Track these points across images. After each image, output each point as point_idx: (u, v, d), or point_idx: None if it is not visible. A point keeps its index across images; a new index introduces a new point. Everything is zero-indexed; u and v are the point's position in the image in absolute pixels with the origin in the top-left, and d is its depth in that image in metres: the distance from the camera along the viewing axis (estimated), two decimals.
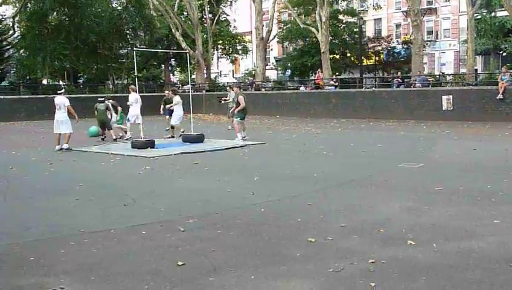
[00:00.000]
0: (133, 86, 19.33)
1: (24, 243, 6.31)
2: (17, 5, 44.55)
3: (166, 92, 21.54)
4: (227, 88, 22.73)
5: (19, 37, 44.20)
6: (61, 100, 16.27)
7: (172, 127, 19.47)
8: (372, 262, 5.27)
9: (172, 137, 18.99)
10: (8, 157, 14.77)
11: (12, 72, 49.28)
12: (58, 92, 16.95)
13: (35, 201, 8.80)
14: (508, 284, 4.68)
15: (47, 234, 6.68)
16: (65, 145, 15.79)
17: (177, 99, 19.44)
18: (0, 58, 41.16)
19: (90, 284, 4.94)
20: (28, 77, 46.90)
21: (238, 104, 18.08)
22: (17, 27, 44.70)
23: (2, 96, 35.16)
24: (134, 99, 18.56)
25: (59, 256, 5.75)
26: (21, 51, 44.64)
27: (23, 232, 6.79)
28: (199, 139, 16.98)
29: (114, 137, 18.23)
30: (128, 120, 19.01)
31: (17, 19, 43.94)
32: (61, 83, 47.42)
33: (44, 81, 46.04)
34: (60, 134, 16.16)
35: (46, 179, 11.08)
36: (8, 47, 44.20)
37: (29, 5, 41.52)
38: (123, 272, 5.23)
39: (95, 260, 5.62)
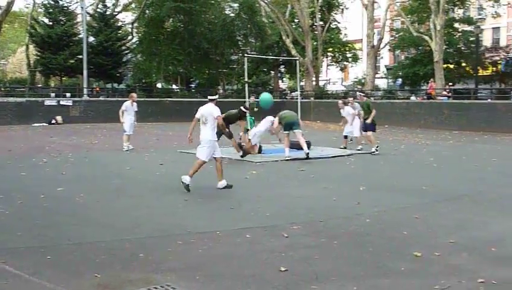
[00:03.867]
0: (133, 94, 18.59)
1: (135, 239, 6.59)
2: (137, 11, 46.87)
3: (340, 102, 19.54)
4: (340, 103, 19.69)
5: (137, 42, 46.40)
6: (210, 110, 10.25)
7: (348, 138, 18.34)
8: (482, 282, 5.02)
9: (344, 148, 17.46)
10: (123, 156, 15.52)
11: (129, 75, 51.79)
12: (210, 97, 10.61)
13: (146, 200, 9.17)
14: None
15: (156, 232, 6.94)
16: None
17: (348, 110, 18.31)
18: (118, 62, 43.33)
19: (195, 283, 5.07)
20: (143, 81, 49.09)
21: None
22: (136, 33, 47.02)
23: (119, 99, 37.03)
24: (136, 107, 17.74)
25: (167, 254, 5.95)
26: (138, 56, 46.84)
27: (134, 230, 7.09)
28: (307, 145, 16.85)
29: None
30: (125, 131, 17.25)
31: (135, 25, 46.26)
32: (174, 86, 49.24)
33: (159, 85, 47.97)
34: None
35: (157, 179, 11.52)
36: (126, 52, 46.50)
37: (147, 12, 43.50)
38: (227, 273, 5.33)
39: (201, 260, 5.77)
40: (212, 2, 44.61)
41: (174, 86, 52.67)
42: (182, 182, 9.67)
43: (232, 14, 46.67)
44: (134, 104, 17.72)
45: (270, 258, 5.80)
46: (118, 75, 44.24)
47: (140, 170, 12.66)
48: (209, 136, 10.08)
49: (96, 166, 13.49)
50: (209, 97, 10.57)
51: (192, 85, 53.18)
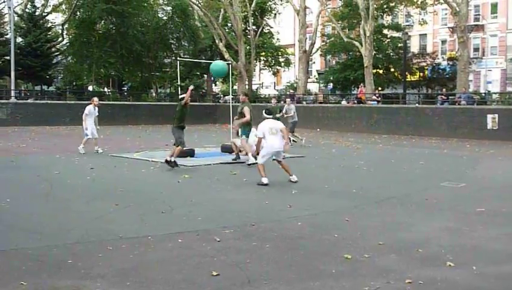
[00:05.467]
0: (95, 98, 18.01)
1: (63, 245, 6.41)
2: (67, 12, 45.76)
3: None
4: (286, 100, 21.31)
5: (67, 44, 45.35)
6: (278, 125, 11.79)
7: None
8: (409, 282, 5.16)
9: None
10: (52, 160, 15.08)
11: (59, 78, 50.49)
12: (266, 115, 12.16)
13: (76, 205, 8.95)
14: None
15: (85, 238, 6.77)
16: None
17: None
18: (48, 64, 42.21)
19: (126, 288, 4.98)
20: (74, 83, 48.03)
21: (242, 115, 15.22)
22: (66, 34, 45.94)
23: (48, 101, 36.09)
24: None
25: (96, 260, 5.81)
26: (69, 58, 45.82)
27: (63, 235, 6.89)
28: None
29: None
30: (86, 135, 16.99)
31: (66, 26, 45.17)
32: (106, 89, 48.39)
33: (90, 88, 47.05)
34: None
35: (87, 183, 11.24)
36: (56, 54, 45.35)
37: (78, 13, 42.59)
38: (158, 279, 5.26)
39: (132, 265, 5.67)
40: (145, 4, 44.12)
41: (106, 89, 51.73)
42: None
43: (165, 18, 46.38)
44: (96, 108, 17.44)
45: (201, 263, 5.76)
46: (47, 77, 43.12)
47: (69, 174, 12.33)
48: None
49: (23, 170, 13.06)
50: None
51: (125, 88, 52.39)
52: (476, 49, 50.67)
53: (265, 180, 10.97)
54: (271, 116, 12.19)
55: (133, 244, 6.44)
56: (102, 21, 43.00)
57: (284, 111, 21.23)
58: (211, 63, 17.41)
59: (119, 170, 13.45)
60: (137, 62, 44.19)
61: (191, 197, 9.64)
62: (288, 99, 21.50)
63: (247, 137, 14.78)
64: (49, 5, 47.93)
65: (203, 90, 52.62)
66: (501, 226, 7.67)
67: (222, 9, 44.09)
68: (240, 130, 15.07)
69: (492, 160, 16.75)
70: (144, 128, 30.91)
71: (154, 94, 47.79)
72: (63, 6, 48.62)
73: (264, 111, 12.39)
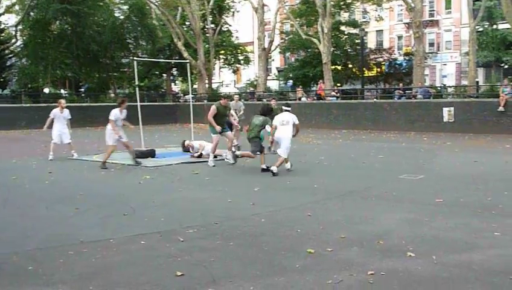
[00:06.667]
0: (62, 100, 17.30)
1: (23, 252, 6.29)
2: (20, 13, 44.81)
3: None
4: (234, 97, 20.24)
5: (21, 45, 44.42)
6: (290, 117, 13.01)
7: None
8: (372, 274, 5.25)
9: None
10: (9, 165, 14.77)
11: (14, 80, 49.44)
12: (285, 108, 13.33)
13: (35, 210, 8.79)
14: None
15: (46, 243, 6.66)
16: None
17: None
18: (2, 66, 41.27)
19: None
20: (29, 86, 47.08)
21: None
22: (20, 36, 44.93)
23: (3, 105, 35.27)
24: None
25: (58, 265, 5.73)
26: (23, 60, 44.84)
27: (22, 241, 6.77)
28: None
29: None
30: (52, 140, 16.25)
31: (19, 27, 44.20)
32: (62, 91, 47.59)
33: (46, 90, 46.18)
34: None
35: (46, 188, 11.07)
36: (10, 56, 44.35)
37: (32, 13, 41.73)
38: (122, 282, 5.21)
39: (94, 269, 5.60)
40: (101, 4, 43.51)
41: (62, 91, 50.82)
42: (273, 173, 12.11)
43: (122, 17, 45.78)
44: (66, 110, 16.61)
45: (166, 264, 5.74)
46: (1, 80, 42.16)
47: (27, 179, 12.08)
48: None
49: None
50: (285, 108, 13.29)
51: (82, 89, 51.60)
52: (431, 44, 51.68)
53: (287, 165, 12.99)
54: (289, 109, 13.29)
55: (95, 248, 6.37)
56: (57, 21, 42.27)
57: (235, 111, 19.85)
58: (169, 62, 17.35)
59: (79, 173, 13.26)
60: (94, 62, 43.56)
61: (153, 198, 9.57)
62: (236, 96, 20.79)
63: (214, 135, 14.25)
64: (2, 6, 46.85)
65: (163, 90, 52.26)
66: (459, 216, 7.85)
67: (180, 8, 43.91)
68: (209, 129, 14.61)
69: (449, 152, 17.11)
70: (103, 130, 30.43)
71: (112, 95, 47.23)
72: (16, 7, 47.63)
73: (284, 104, 13.69)
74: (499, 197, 9.18)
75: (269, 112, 13.61)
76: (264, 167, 12.85)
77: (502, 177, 11.60)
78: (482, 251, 6.06)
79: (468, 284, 4.99)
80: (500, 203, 8.63)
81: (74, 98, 39.92)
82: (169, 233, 7.05)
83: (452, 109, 25.39)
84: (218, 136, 14.15)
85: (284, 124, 12.75)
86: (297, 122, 13.01)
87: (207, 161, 14.37)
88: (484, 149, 17.87)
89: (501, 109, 23.84)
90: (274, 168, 12.19)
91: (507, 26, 31.85)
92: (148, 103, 38.05)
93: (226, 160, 14.12)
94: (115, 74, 47.69)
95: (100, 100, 40.84)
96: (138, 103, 17.66)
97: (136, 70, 20.94)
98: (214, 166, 13.86)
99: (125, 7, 45.40)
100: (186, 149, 16.40)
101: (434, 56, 50.91)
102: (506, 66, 39.42)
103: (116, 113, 14.05)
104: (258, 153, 13.26)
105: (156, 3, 42.00)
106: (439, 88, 36.35)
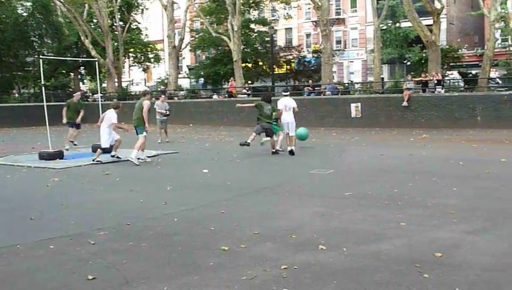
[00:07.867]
0: None
1: None
2: None
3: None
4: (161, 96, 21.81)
5: None
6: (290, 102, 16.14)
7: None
8: (285, 268, 5.33)
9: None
10: None
11: None
12: (284, 93, 17.61)
13: None
14: (413, 285, 4.86)
15: None
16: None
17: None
18: None
19: None
20: None
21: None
22: None
23: None
24: None
25: None
26: None
27: None
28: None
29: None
30: None
31: None
32: None
33: None
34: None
35: None
36: None
37: None
38: (30, 288, 5.04)
39: (0, 277, 5.37)
40: (2, 0, 41.70)
41: None
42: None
43: (25, 14, 44.07)
44: None
45: (76, 268, 5.58)
46: None
47: None
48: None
49: None
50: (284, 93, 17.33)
51: None
52: (338, 42, 53.06)
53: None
54: (287, 94, 17.25)
55: (0, 255, 6.10)
56: None
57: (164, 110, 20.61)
58: (77, 60, 17.12)
59: None
60: None
61: (61, 201, 9.27)
62: (162, 97, 21.35)
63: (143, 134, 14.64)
64: None
65: (71, 89, 50.69)
66: (367, 208, 8.12)
67: (87, 5, 42.63)
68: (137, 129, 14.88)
69: (357, 146, 17.65)
70: (8, 132, 29.29)
71: (17, 95, 45.38)
72: None
73: (283, 90, 17.57)
74: (404, 189, 9.58)
75: (271, 99, 16.09)
76: (274, 150, 15.54)
77: (406, 169, 12.11)
78: (390, 240, 6.30)
79: (378, 274, 5.17)
80: (406, 195, 9.01)
81: None
82: (80, 236, 6.85)
83: (359, 104, 26.22)
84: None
85: (287, 110, 15.56)
86: (295, 106, 15.77)
87: (117, 161, 14.16)
88: (390, 143, 18.59)
89: (405, 104, 24.89)
90: (291, 148, 15.19)
91: (409, 24, 33.17)
92: (56, 103, 36.78)
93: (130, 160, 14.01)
94: (19, 73, 45.95)
95: (4, 100, 39.17)
96: (45, 103, 17.00)
97: (42, 69, 20.18)
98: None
99: (29, 4, 43.71)
100: (94, 150, 16.00)
101: (341, 53, 52.31)
102: (408, 63, 41.02)
103: (116, 116, 14.69)
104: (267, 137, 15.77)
105: (61, 0, 40.66)
106: (346, 85, 37.47)
